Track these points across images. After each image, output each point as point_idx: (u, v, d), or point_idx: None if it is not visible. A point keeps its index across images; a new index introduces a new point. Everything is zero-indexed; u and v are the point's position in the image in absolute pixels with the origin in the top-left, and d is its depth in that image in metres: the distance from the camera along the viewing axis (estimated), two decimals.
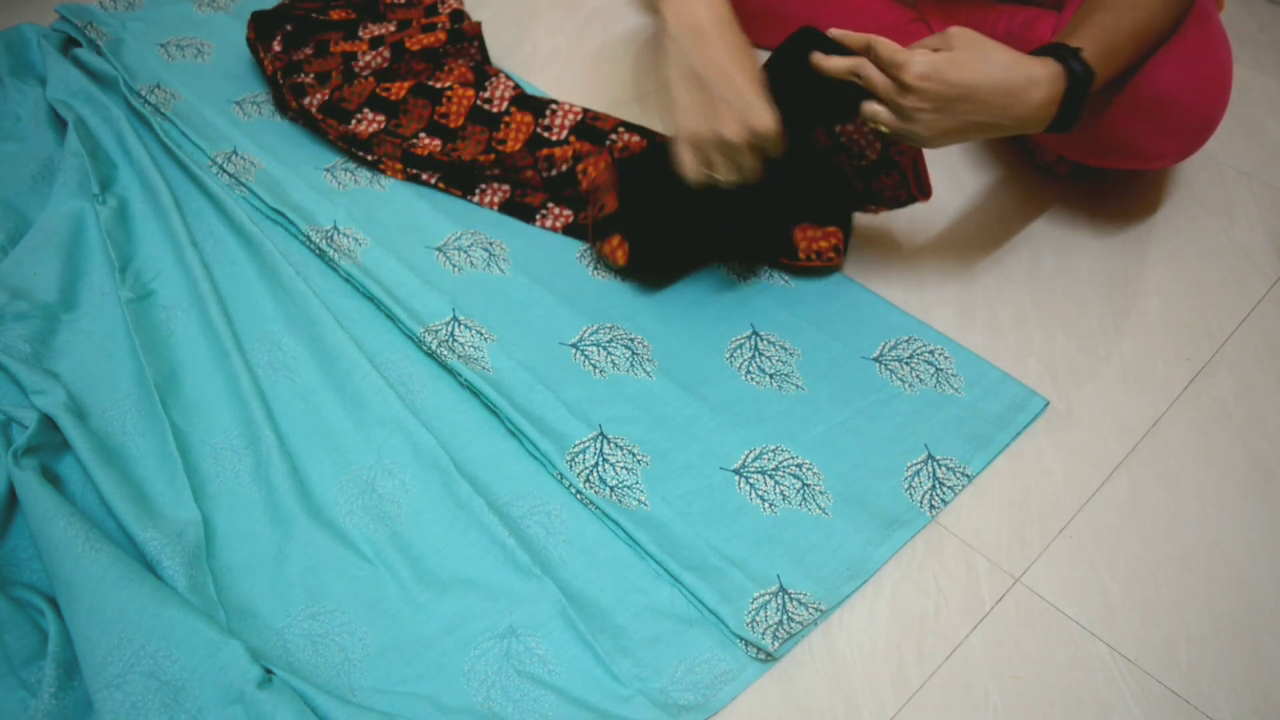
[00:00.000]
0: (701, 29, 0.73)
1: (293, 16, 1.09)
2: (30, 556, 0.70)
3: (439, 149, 0.98)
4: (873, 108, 0.74)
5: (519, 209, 0.96)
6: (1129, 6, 0.77)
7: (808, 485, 0.75)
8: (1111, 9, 0.77)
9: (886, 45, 0.72)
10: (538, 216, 0.95)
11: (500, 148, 0.98)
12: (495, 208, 0.96)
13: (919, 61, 0.71)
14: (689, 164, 0.76)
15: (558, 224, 0.95)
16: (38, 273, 0.87)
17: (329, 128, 1.00)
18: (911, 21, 1.14)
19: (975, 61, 0.72)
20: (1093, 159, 0.92)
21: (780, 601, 0.68)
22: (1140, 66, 0.81)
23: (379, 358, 0.82)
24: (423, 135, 1.00)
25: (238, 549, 0.71)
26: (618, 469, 0.75)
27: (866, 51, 0.74)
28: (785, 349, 0.84)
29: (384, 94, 1.02)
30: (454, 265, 0.91)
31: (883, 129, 0.75)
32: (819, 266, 0.88)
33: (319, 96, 1.01)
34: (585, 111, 0.99)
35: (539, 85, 1.12)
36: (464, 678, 0.64)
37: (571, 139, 0.97)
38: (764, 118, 0.72)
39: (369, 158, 0.99)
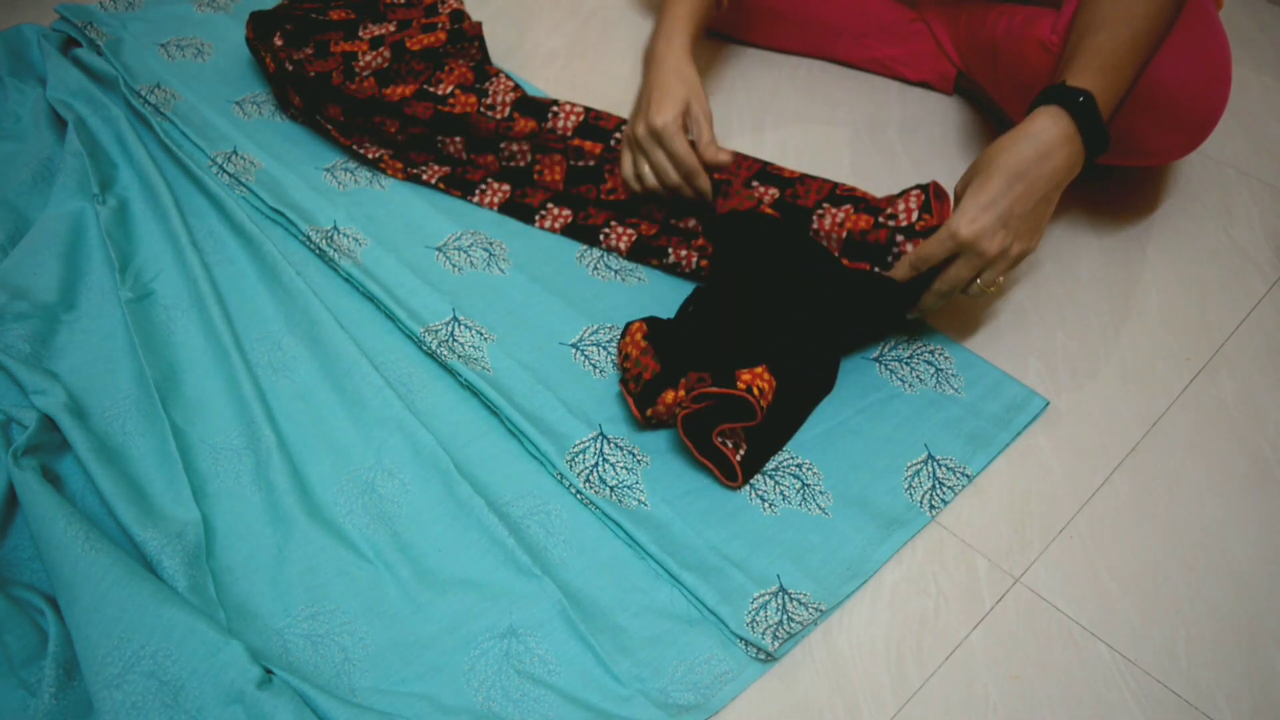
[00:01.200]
0: (655, 54, 0.91)
1: (292, 16, 1.09)
2: (30, 556, 0.70)
3: (447, 174, 0.99)
4: (978, 287, 0.76)
5: (519, 209, 0.96)
6: (1123, 20, 0.77)
7: (807, 485, 0.75)
8: (1105, 27, 0.77)
9: (932, 247, 0.74)
10: (537, 217, 0.95)
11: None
12: (495, 208, 0.97)
13: (965, 223, 0.72)
14: (624, 165, 0.90)
15: (557, 224, 0.95)
16: (38, 273, 0.87)
17: (331, 125, 1.00)
18: (911, 21, 1.15)
19: (989, 170, 0.73)
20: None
21: (780, 601, 0.68)
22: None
23: (379, 358, 0.82)
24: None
25: (238, 549, 0.71)
26: (618, 469, 0.75)
27: (922, 272, 0.76)
28: None
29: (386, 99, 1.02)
30: (454, 265, 0.91)
31: (1000, 282, 0.76)
32: (734, 405, 0.73)
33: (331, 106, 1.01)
34: (588, 111, 0.99)
35: (539, 85, 1.12)
36: (464, 678, 0.64)
37: (575, 140, 0.97)
38: (661, 118, 0.84)
39: (371, 155, 0.99)
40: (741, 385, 0.70)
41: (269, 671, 0.62)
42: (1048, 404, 0.81)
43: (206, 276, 0.87)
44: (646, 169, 0.88)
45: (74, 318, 0.85)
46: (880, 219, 0.81)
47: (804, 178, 0.88)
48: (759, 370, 0.72)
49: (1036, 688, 0.65)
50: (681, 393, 0.73)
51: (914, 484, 0.75)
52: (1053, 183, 0.73)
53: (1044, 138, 0.73)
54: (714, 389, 0.71)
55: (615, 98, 1.10)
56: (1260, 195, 1.01)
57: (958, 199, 0.76)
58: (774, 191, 0.87)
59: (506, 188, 0.98)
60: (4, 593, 0.65)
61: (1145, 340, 0.87)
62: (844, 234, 0.82)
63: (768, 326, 0.77)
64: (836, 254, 0.83)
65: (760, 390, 0.71)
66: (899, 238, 0.79)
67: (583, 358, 0.83)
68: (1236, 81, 0.89)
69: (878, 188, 1.01)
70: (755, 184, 0.88)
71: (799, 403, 0.79)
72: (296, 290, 0.86)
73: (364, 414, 0.78)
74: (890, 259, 0.80)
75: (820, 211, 0.84)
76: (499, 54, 1.15)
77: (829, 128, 1.09)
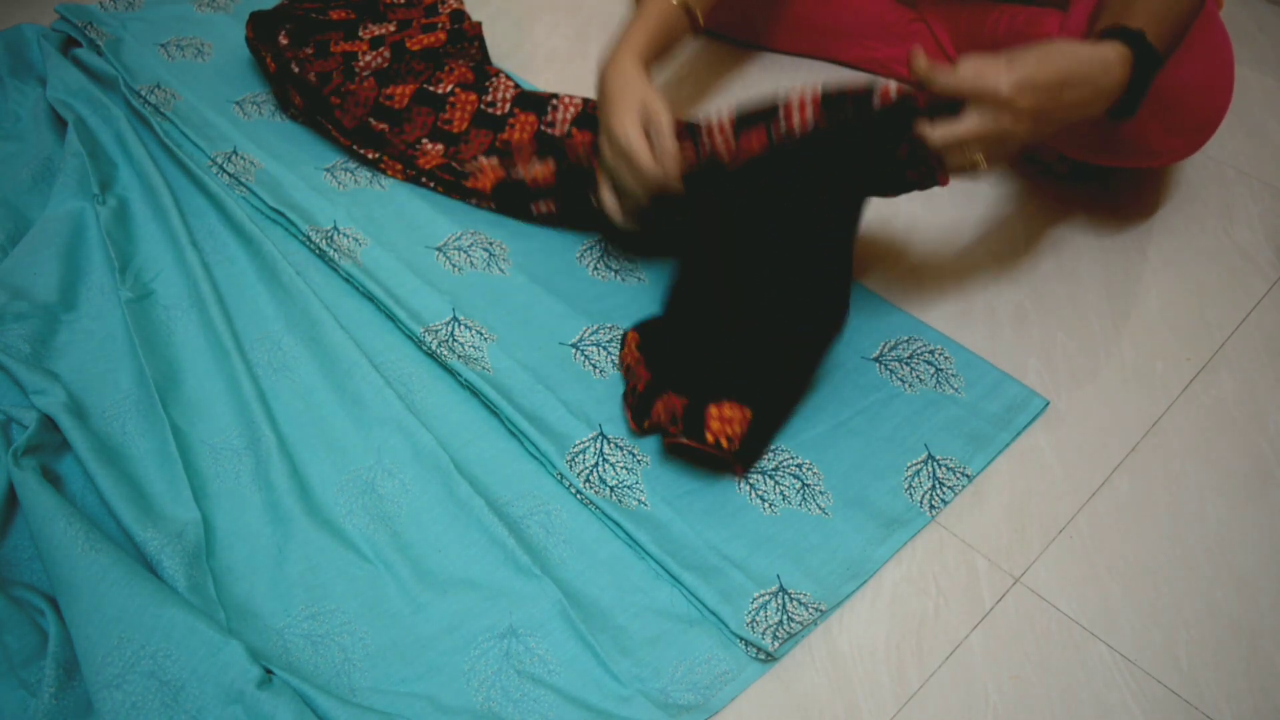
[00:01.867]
0: (601, 73, 0.85)
1: (293, 16, 1.09)
2: (30, 556, 0.70)
3: (441, 152, 0.98)
4: (971, 157, 0.72)
5: (512, 189, 0.93)
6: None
7: (808, 485, 0.75)
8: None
9: (967, 71, 0.70)
10: (531, 205, 0.94)
11: (504, 149, 0.98)
12: (488, 189, 0.95)
13: (1006, 77, 0.69)
14: (605, 201, 0.85)
15: (551, 207, 0.93)
16: (38, 273, 0.87)
17: (332, 124, 1.00)
18: (911, 21, 1.15)
19: (1053, 54, 0.70)
20: (1097, 157, 0.92)
21: (780, 601, 0.68)
22: None
23: (379, 358, 0.82)
24: (425, 141, 1.00)
25: (238, 549, 0.71)
26: (617, 469, 0.75)
27: (931, 84, 0.71)
28: None
29: (387, 102, 1.02)
30: (454, 265, 0.91)
31: (980, 165, 0.73)
32: (712, 454, 0.73)
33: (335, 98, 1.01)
34: (586, 102, 0.99)
35: (539, 85, 1.12)
36: (464, 678, 0.64)
37: (574, 131, 0.97)
38: (619, 126, 0.80)
39: (370, 155, 0.99)
40: (710, 435, 0.70)
41: (269, 671, 0.62)
42: (1048, 404, 0.81)
43: (206, 276, 0.87)
44: (625, 185, 0.83)
45: (74, 318, 0.85)
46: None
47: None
48: (726, 409, 0.71)
49: (1036, 688, 0.65)
50: (663, 412, 0.73)
51: (914, 484, 0.75)
52: (1084, 110, 0.72)
53: (1110, 75, 0.71)
54: (684, 440, 0.71)
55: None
56: (1260, 195, 1.01)
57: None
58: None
59: (502, 171, 0.95)
60: (4, 593, 0.65)
61: (1145, 340, 0.87)
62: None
63: (744, 267, 0.74)
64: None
65: (730, 437, 0.70)
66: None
67: (583, 358, 0.83)
68: (1237, 81, 0.89)
69: None
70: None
71: (801, 363, 0.77)
72: (297, 290, 0.86)
73: (364, 414, 0.78)
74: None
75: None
76: (499, 54, 1.15)
77: None
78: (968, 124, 0.70)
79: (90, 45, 1.11)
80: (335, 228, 0.92)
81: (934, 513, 0.74)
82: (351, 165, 1.01)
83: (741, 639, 0.66)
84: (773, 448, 0.77)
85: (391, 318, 0.86)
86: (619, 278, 0.90)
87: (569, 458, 0.75)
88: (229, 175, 0.98)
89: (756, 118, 0.78)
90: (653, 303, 0.88)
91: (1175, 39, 0.77)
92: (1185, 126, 0.85)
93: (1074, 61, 0.70)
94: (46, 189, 0.97)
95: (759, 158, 0.78)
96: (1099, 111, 0.73)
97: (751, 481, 0.75)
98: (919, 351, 0.84)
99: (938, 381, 0.82)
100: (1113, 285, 0.91)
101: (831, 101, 0.76)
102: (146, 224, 0.93)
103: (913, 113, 0.73)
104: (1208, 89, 0.83)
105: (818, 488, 0.75)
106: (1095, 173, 1.00)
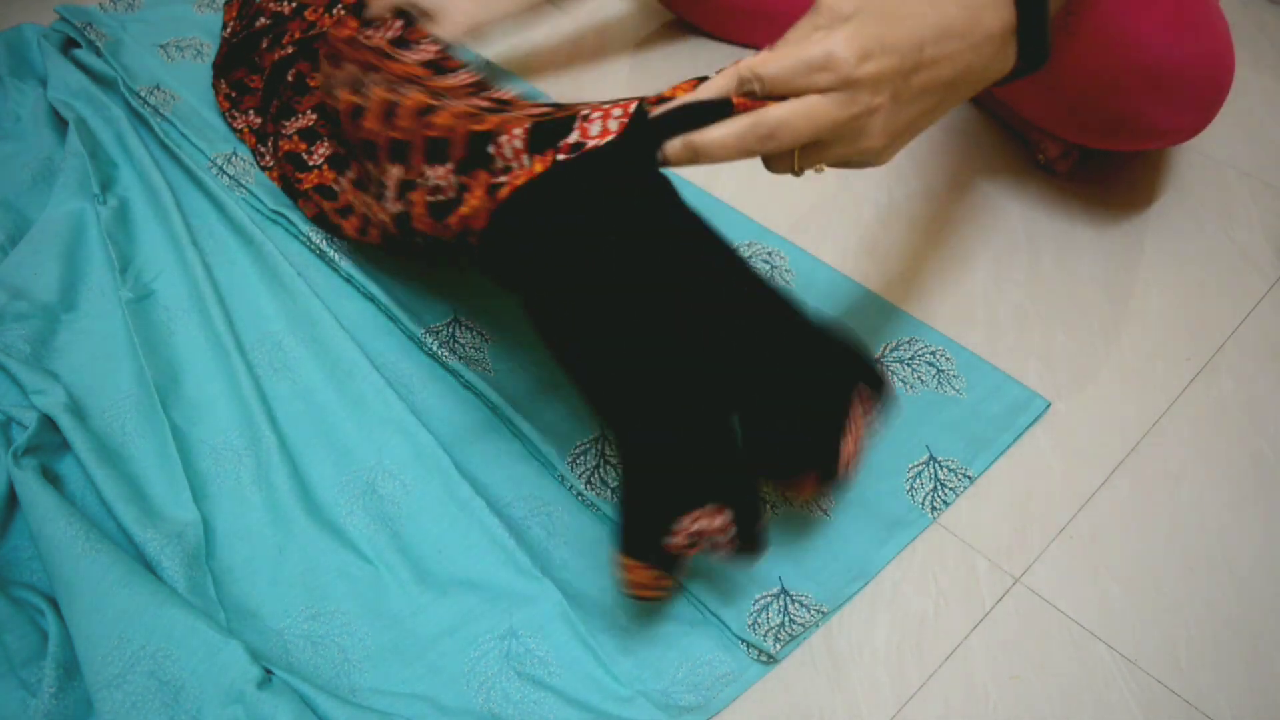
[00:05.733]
0: None
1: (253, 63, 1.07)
2: (30, 556, 0.70)
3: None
4: (810, 157, 0.54)
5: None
6: None
7: None
8: None
9: (773, 56, 0.52)
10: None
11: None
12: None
13: (842, 47, 0.50)
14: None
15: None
16: (38, 273, 0.87)
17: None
18: None
19: (900, 13, 0.51)
20: (1100, 141, 0.91)
21: (782, 603, 0.68)
22: (1146, 41, 0.80)
23: (380, 359, 0.82)
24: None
25: (238, 549, 0.71)
26: (619, 471, 0.75)
27: (746, 83, 0.53)
28: None
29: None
30: (455, 266, 0.91)
31: (822, 168, 0.55)
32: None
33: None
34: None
35: (539, 85, 1.12)
36: (464, 679, 0.64)
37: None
38: None
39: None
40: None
41: (269, 672, 0.62)
42: (1049, 405, 0.81)
43: (207, 277, 0.87)
44: None
45: (74, 318, 0.85)
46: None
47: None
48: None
49: (1036, 688, 0.65)
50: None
51: (916, 485, 0.75)
52: (960, 78, 0.54)
53: (983, 19, 0.53)
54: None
55: (615, 97, 1.10)
56: (1260, 195, 1.01)
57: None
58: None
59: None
60: (4, 593, 0.65)
61: (1145, 340, 0.87)
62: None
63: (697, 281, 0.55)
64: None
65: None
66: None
67: None
68: (1236, 82, 0.89)
69: (878, 188, 1.01)
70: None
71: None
72: (298, 291, 0.86)
73: (365, 415, 0.78)
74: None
75: (584, 112, 0.60)
76: (499, 54, 1.15)
77: None
78: (780, 111, 0.51)
79: (90, 46, 1.11)
80: None
81: (936, 514, 0.74)
82: None
83: (743, 640, 0.66)
84: None
85: (392, 319, 0.86)
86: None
87: (570, 459, 0.75)
88: (229, 177, 0.98)
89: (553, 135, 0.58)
90: None
91: None
92: (1190, 103, 0.84)
93: (931, 12, 0.52)
94: (46, 189, 0.97)
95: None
96: (984, 71, 0.55)
97: None
98: (920, 353, 0.84)
99: (939, 383, 0.82)
100: (1113, 285, 0.91)
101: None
102: (147, 224, 0.93)
103: (650, 133, 0.54)
104: (1211, 63, 0.83)
105: None
106: (1095, 172, 1.00)
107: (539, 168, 0.56)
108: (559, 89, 1.12)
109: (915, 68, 0.52)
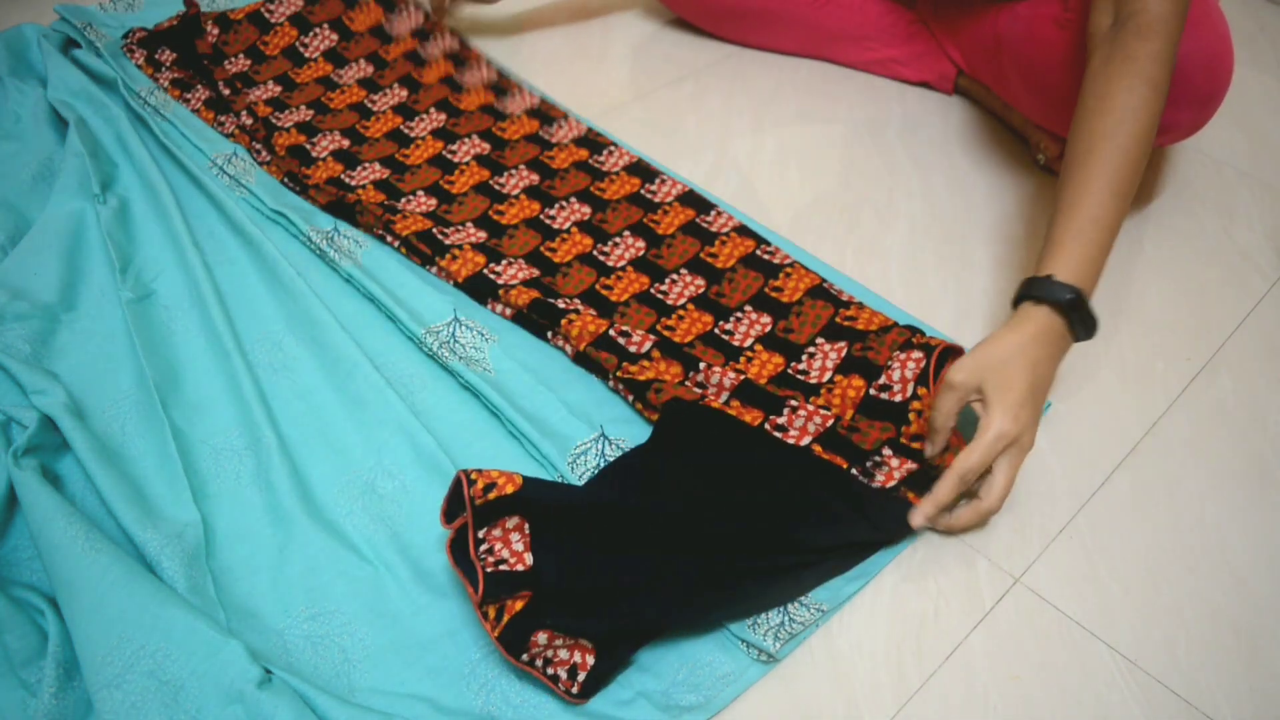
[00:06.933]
0: None
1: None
2: (30, 556, 0.70)
3: (434, 207, 0.96)
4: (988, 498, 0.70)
5: (484, 282, 0.88)
6: (1107, 170, 0.73)
7: None
8: (1089, 188, 0.73)
9: (967, 454, 0.68)
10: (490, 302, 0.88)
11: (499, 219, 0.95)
12: (461, 278, 0.88)
13: (1002, 423, 0.68)
14: None
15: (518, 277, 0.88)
16: (38, 273, 0.87)
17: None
18: (910, 23, 1.15)
19: (1008, 371, 0.69)
20: None
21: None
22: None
23: (380, 359, 0.82)
24: (421, 193, 0.98)
25: (238, 549, 0.71)
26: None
27: (965, 481, 0.69)
28: None
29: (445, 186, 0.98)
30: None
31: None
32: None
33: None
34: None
35: (539, 86, 1.12)
36: (464, 680, 0.64)
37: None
38: None
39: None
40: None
41: (269, 671, 0.62)
42: (1049, 405, 0.81)
43: (207, 277, 0.87)
44: None
45: (74, 318, 0.85)
46: (872, 390, 0.77)
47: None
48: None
49: (1036, 688, 0.65)
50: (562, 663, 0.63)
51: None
52: (1053, 363, 0.72)
53: (1040, 329, 0.71)
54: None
55: (615, 97, 1.10)
56: (1260, 195, 1.01)
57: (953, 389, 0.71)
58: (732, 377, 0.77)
59: (481, 259, 0.90)
60: (4, 593, 0.65)
61: (1145, 340, 0.87)
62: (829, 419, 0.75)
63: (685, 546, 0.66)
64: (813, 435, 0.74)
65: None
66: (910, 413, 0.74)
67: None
68: (1236, 81, 0.89)
69: (878, 188, 1.01)
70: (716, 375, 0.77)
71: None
72: (298, 291, 0.86)
73: (365, 415, 0.78)
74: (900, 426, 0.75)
75: (793, 403, 0.76)
76: (500, 54, 1.15)
77: (829, 127, 1.09)
78: (1002, 481, 0.69)
79: (90, 47, 1.11)
80: (336, 229, 0.92)
81: None
82: None
83: (743, 641, 0.66)
84: None
85: (392, 319, 0.86)
86: None
87: (570, 459, 0.75)
88: (229, 177, 0.98)
89: (761, 401, 0.76)
90: None
91: (1124, 208, 0.75)
92: (1191, 99, 0.85)
93: (1026, 362, 0.70)
94: (47, 189, 0.97)
95: (749, 427, 0.74)
96: (1060, 358, 0.73)
97: None
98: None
99: None
100: (1113, 285, 0.91)
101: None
102: (147, 224, 0.93)
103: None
104: (1209, 61, 0.84)
105: None
106: None
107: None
108: (559, 89, 1.12)
109: (1035, 398, 0.70)
